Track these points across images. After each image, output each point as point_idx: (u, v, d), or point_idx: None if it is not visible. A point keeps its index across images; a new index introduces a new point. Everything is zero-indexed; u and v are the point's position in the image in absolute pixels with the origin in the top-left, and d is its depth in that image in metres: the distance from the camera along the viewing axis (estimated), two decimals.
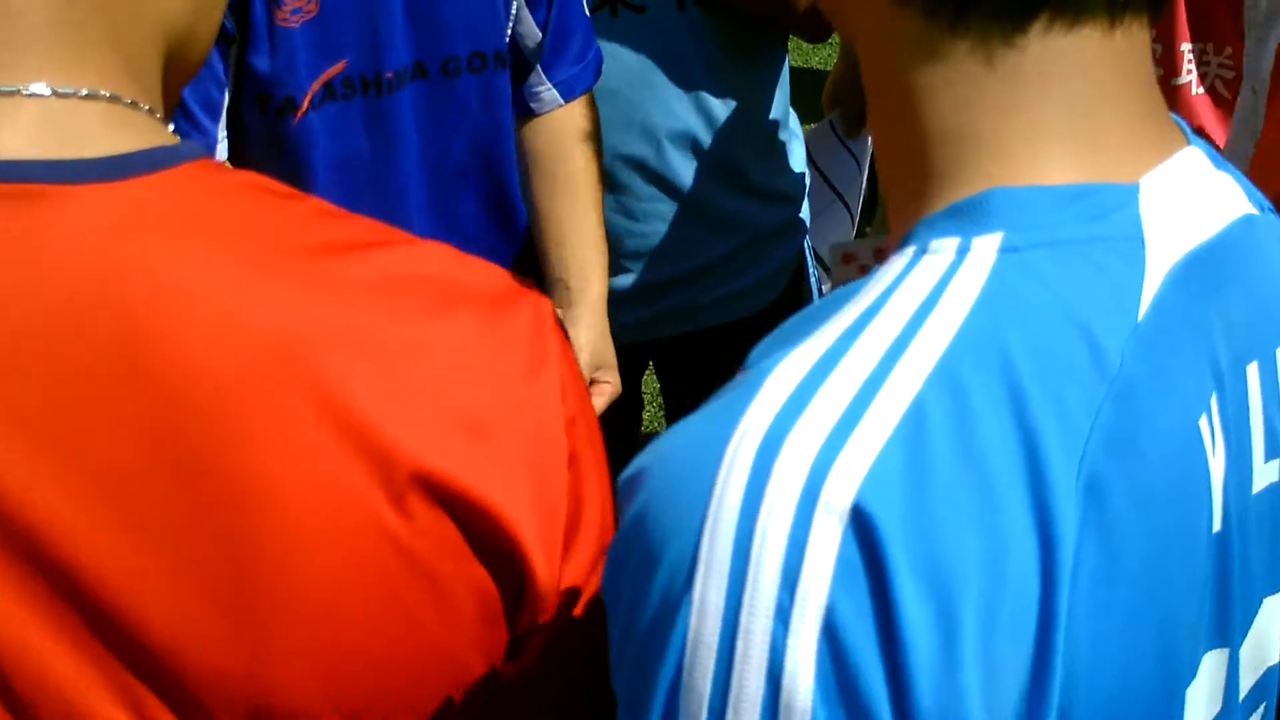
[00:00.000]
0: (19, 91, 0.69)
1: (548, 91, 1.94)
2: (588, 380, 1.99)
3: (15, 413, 0.66)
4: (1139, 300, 0.70)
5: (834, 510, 0.61)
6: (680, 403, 2.55)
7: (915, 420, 0.63)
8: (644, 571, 0.65)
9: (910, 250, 0.71)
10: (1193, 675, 0.73)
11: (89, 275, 0.67)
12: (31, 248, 0.67)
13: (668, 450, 0.66)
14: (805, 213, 2.50)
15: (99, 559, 0.66)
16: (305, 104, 1.70)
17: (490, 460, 0.70)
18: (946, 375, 0.64)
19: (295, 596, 0.67)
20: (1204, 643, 0.75)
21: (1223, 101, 2.19)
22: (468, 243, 1.86)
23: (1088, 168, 0.73)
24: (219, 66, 1.65)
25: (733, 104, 2.23)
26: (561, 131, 1.97)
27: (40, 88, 0.69)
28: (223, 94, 1.68)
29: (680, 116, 2.19)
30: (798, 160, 2.45)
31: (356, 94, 1.73)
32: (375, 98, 1.74)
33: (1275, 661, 0.84)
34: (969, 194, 0.72)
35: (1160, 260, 0.72)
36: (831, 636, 0.61)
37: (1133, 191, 0.73)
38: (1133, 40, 0.74)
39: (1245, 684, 0.81)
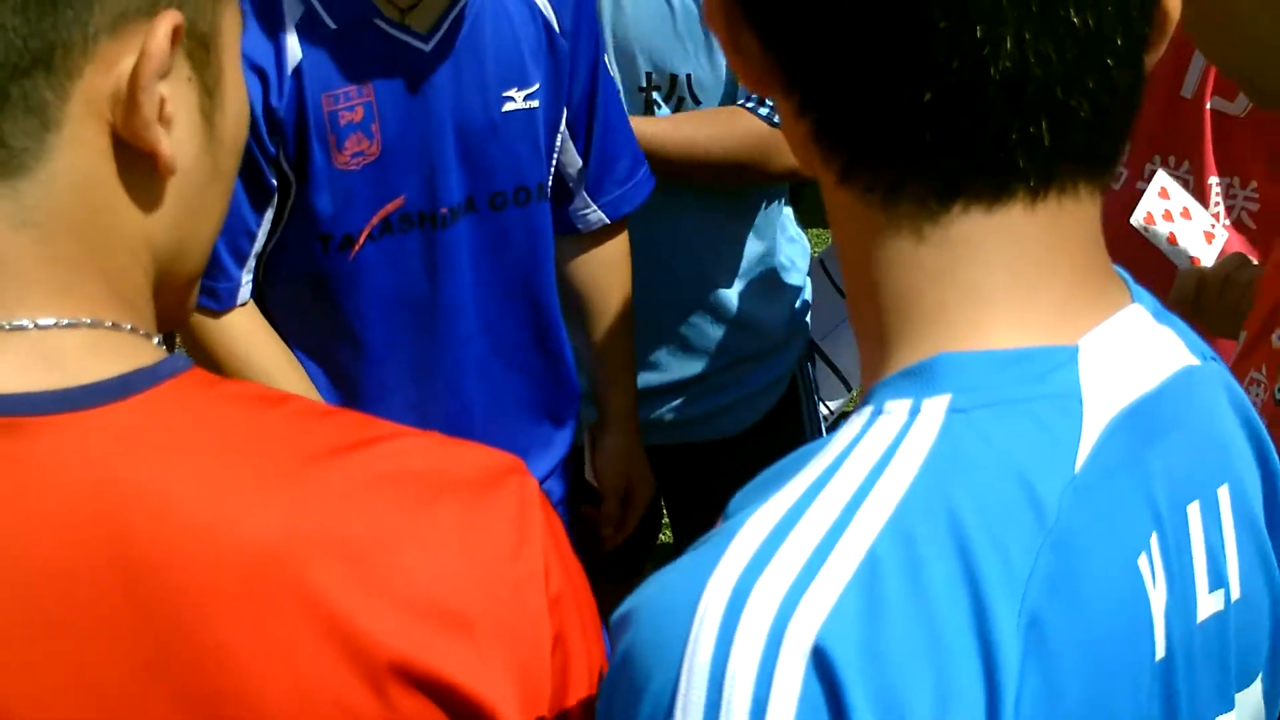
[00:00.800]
0: (2, 327, 0.73)
1: (594, 213, 2.08)
2: (620, 493, 2.12)
3: (15, 640, 0.70)
4: (1075, 454, 0.76)
5: (797, 651, 0.68)
6: (681, 512, 2.60)
7: (870, 569, 0.70)
8: (631, 702, 0.72)
9: (868, 410, 0.78)
10: None
11: (79, 503, 0.71)
12: (21, 481, 0.71)
13: (653, 594, 0.74)
14: (809, 321, 2.55)
15: None
16: (362, 239, 1.81)
17: (471, 650, 0.75)
18: (898, 528, 0.72)
19: None
20: None
21: (1248, 232, 2.25)
22: (512, 368, 1.97)
23: (1029, 330, 0.79)
24: (250, 219, 1.78)
25: (706, 229, 2.29)
26: (601, 262, 2.11)
27: (23, 321, 0.73)
28: (251, 244, 1.80)
29: (650, 240, 2.23)
30: (792, 283, 2.47)
31: (414, 228, 1.84)
32: (431, 231, 1.85)
33: None
34: (919, 358, 0.79)
35: (1098, 416, 0.78)
36: None
37: (1072, 353, 0.79)
38: (1064, 211, 0.80)
39: None
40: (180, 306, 0.86)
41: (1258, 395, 1.21)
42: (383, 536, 0.75)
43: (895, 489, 0.73)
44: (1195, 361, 0.89)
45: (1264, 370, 1.19)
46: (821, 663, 0.68)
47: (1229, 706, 0.88)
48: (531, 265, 1.95)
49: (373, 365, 1.87)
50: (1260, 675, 0.92)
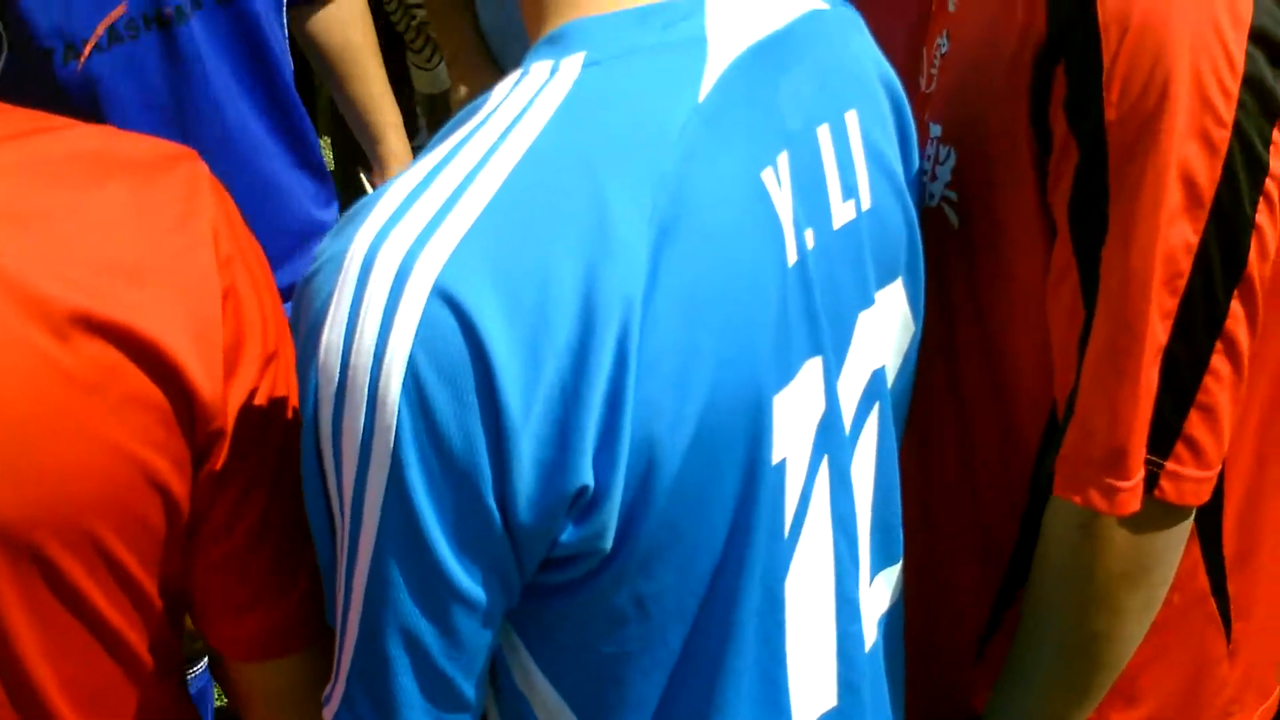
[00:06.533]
0: None
1: None
2: None
3: None
4: (699, 88, 0.85)
5: (419, 290, 0.77)
6: None
7: (496, 208, 0.78)
8: (303, 315, 0.82)
9: (516, 74, 0.86)
10: (786, 380, 0.91)
11: None
12: None
13: (324, 245, 0.83)
14: None
15: None
16: (88, 50, 1.81)
17: (144, 297, 0.84)
18: (527, 167, 0.80)
19: None
20: (801, 353, 0.92)
21: None
22: (270, 158, 1.99)
23: None
24: None
25: None
26: (342, 19, 2.14)
27: None
28: None
29: None
30: None
31: (144, 32, 1.84)
32: (164, 32, 1.85)
33: (880, 365, 1.04)
34: (563, 23, 0.86)
35: (722, 54, 0.87)
36: (414, 375, 0.77)
37: (699, 3, 0.88)
38: None
39: (851, 384, 1.00)
40: None
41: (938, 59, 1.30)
42: (56, 206, 0.83)
43: (528, 136, 0.81)
44: (823, 6, 0.98)
45: (945, 34, 1.28)
46: (449, 299, 0.77)
47: (869, 303, 1.00)
48: (266, 48, 1.96)
49: None
50: (900, 278, 1.03)
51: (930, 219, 1.22)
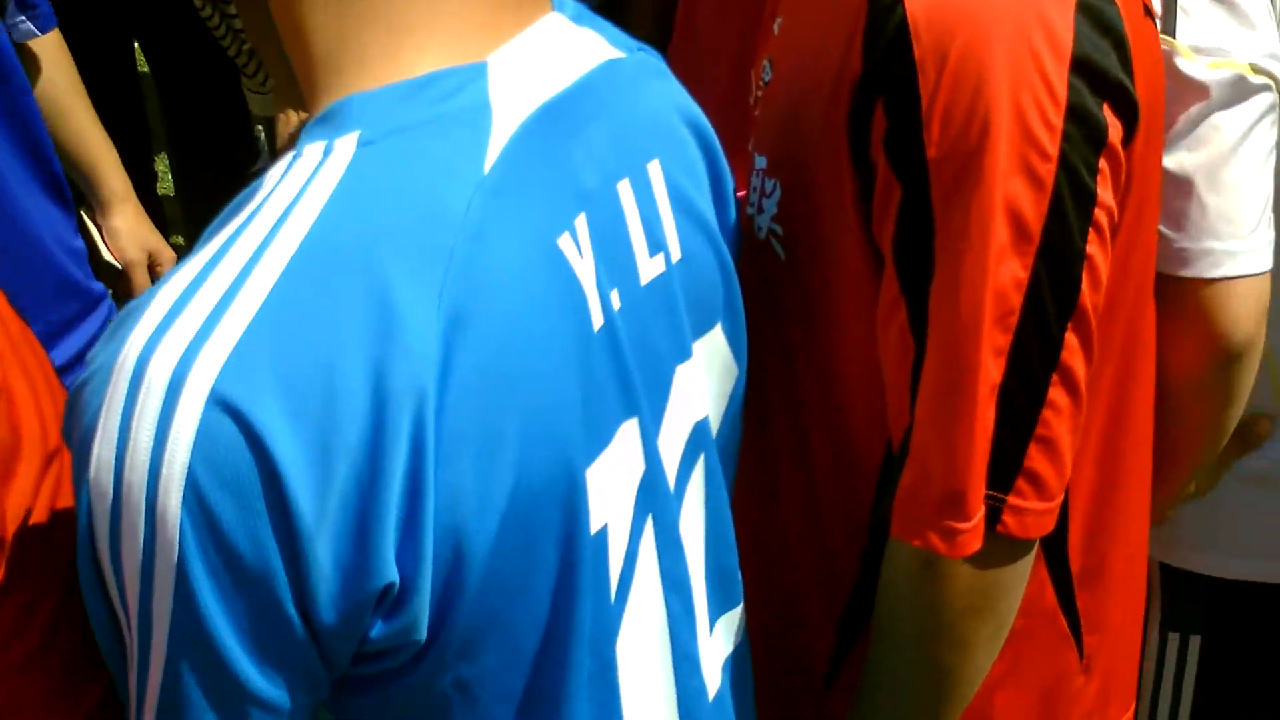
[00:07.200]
0: None
1: (24, 24, 2.04)
2: (144, 264, 2.17)
3: None
4: (484, 158, 0.81)
5: (195, 399, 0.72)
6: None
7: (274, 305, 0.73)
8: (74, 427, 0.76)
9: (288, 158, 0.80)
10: (600, 448, 0.87)
11: None
12: None
13: (96, 350, 0.77)
14: None
15: None
16: None
17: None
18: (304, 260, 0.75)
19: None
20: (615, 417, 0.89)
21: None
22: (18, 185, 1.90)
23: (442, 57, 0.83)
24: None
25: None
26: (41, 62, 2.07)
27: None
28: None
29: None
30: None
31: None
32: None
33: (702, 415, 1.00)
34: (336, 100, 0.81)
35: (508, 121, 0.83)
36: (194, 488, 0.72)
37: (480, 69, 0.83)
38: None
39: (672, 440, 0.97)
40: None
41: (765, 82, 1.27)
42: None
43: (300, 228, 0.76)
44: (620, 55, 0.94)
45: (769, 61, 1.26)
46: (228, 406, 0.72)
47: (686, 355, 0.97)
48: (17, 94, 1.90)
49: None
50: (719, 324, 1.00)
51: (758, 252, 1.19)
